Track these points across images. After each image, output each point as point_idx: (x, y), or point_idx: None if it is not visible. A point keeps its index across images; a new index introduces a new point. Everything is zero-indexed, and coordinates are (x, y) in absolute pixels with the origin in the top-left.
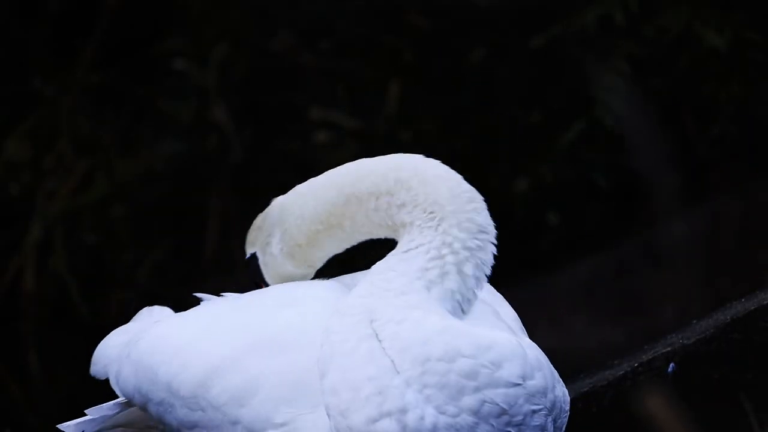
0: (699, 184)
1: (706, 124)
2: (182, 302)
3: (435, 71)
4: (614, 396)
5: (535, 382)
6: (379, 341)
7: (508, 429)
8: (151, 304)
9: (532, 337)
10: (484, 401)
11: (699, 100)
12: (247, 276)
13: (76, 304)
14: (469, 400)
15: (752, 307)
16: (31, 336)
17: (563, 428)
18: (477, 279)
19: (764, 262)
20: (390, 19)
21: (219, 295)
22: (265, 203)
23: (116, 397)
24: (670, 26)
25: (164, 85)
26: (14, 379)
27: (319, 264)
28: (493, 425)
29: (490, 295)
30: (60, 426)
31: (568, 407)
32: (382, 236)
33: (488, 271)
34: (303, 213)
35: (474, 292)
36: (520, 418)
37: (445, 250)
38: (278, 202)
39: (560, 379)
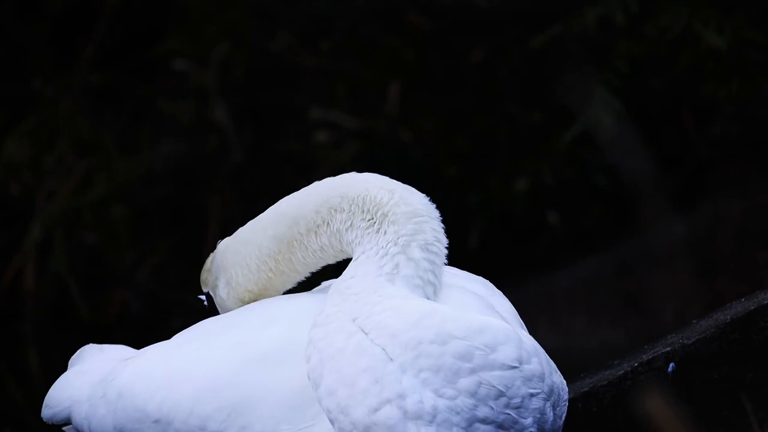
0: (699, 184)
1: (706, 124)
2: (182, 302)
3: (435, 71)
4: (614, 396)
5: (532, 367)
6: (366, 334)
7: (508, 411)
8: (151, 304)
9: (532, 336)
10: (481, 383)
11: (699, 100)
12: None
13: (76, 304)
14: (466, 382)
15: (752, 307)
16: (31, 336)
17: (563, 418)
18: (429, 261)
19: (764, 262)
20: (390, 19)
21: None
22: (265, 203)
23: None
24: (670, 26)
25: (164, 85)
26: (14, 379)
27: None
28: (492, 407)
29: (484, 289)
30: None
31: (566, 396)
32: (335, 261)
33: (440, 250)
34: (248, 263)
35: (433, 273)
36: (518, 400)
37: (388, 245)
38: (224, 246)
39: (558, 370)
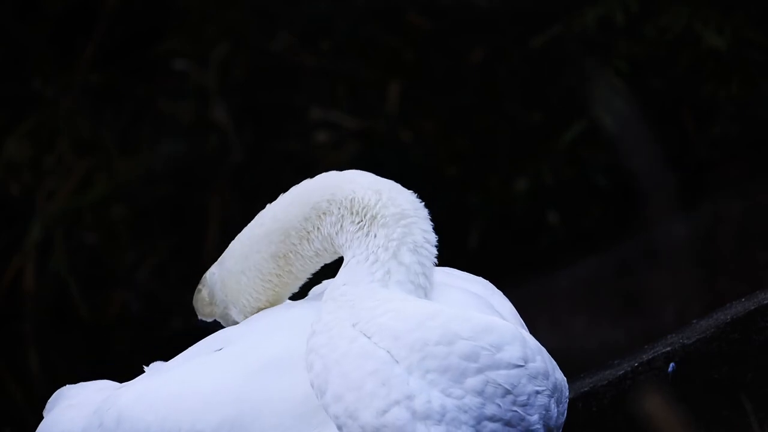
0: (699, 184)
1: (706, 124)
2: (182, 302)
3: (435, 71)
4: (614, 396)
5: (537, 365)
6: (369, 338)
7: (515, 408)
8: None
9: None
10: (488, 382)
11: (699, 100)
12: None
13: (76, 304)
14: (473, 382)
15: (752, 307)
16: (31, 336)
17: (565, 414)
18: (420, 264)
19: (764, 262)
20: (390, 19)
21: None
22: (265, 203)
23: None
24: (670, 26)
25: (164, 85)
26: (14, 379)
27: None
28: (499, 405)
29: (483, 289)
30: None
31: (567, 393)
32: (332, 260)
33: (430, 251)
34: (255, 288)
35: (424, 276)
36: (524, 398)
37: (378, 250)
38: (218, 277)
39: (558, 367)
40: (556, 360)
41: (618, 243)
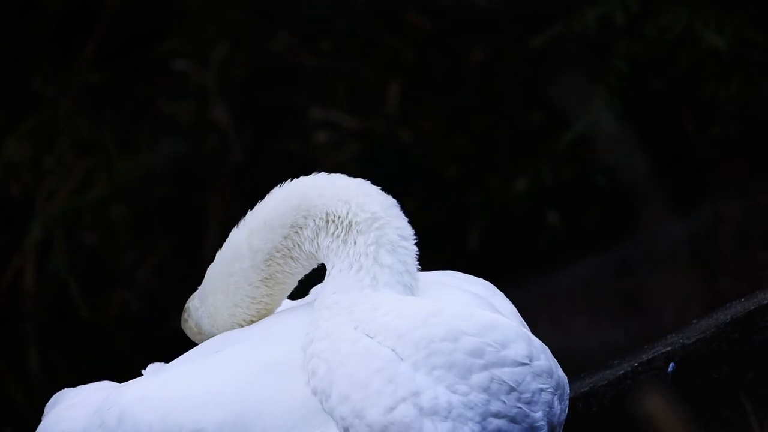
0: (699, 184)
1: (706, 124)
2: (182, 302)
3: (435, 71)
4: (614, 396)
5: (541, 363)
6: (372, 338)
7: (519, 405)
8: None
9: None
10: (493, 378)
11: (699, 100)
12: None
13: (76, 304)
14: (478, 378)
15: (752, 307)
16: (31, 336)
17: (566, 410)
18: (401, 262)
19: (764, 262)
20: (390, 19)
21: None
22: None
23: None
24: (670, 26)
25: (164, 85)
26: (14, 379)
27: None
28: (504, 401)
29: (484, 290)
30: None
31: (569, 389)
32: (317, 265)
33: (407, 249)
34: (249, 313)
35: (408, 273)
36: (528, 395)
37: (360, 257)
38: (203, 315)
39: (559, 365)
40: (556, 359)
41: (618, 243)
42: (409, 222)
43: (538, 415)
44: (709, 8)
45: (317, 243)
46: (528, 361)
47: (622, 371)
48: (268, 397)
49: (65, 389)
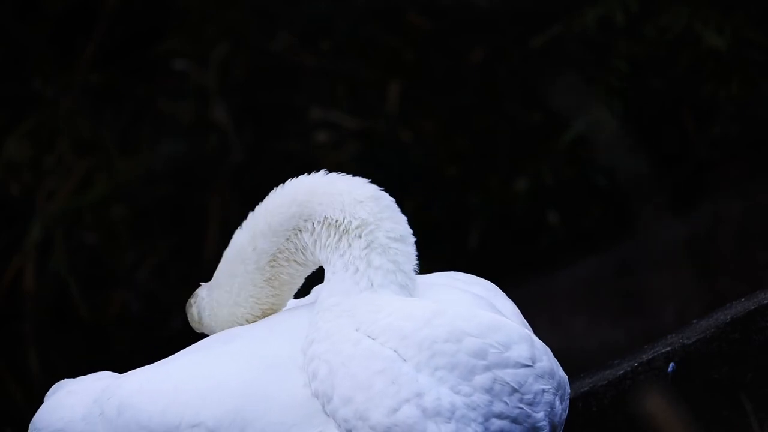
0: (699, 184)
1: (706, 124)
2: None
3: (435, 71)
4: (614, 396)
5: (543, 364)
6: (374, 339)
7: (521, 406)
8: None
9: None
10: (495, 380)
11: (699, 100)
12: None
13: (76, 304)
14: (481, 379)
15: (752, 307)
16: (31, 336)
17: (567, 410)
18: (392, 262)
19: (764, 262)
20: (390, 19)
21: None
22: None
23: None
24: (670, 26)
25: (164, 85)
26: (14, 379)
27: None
28: (506, 403)
29: (485, 291)
30: None
31: (569, 389)
32: (318, 267)
33: (398, 248)
34: (250, 314)
35: (401, 273)
36: (531, 396)
37: (356, 261)
38: (205, 306)
39: (560, 364)
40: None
41: (618, 243)
42: (409, 221)
43: (540, 415)
44: (709, 8)
45: (317, 246)
46: (531, 363)
47: (622, 371)
48: (269, 394)
49: (65, 379)
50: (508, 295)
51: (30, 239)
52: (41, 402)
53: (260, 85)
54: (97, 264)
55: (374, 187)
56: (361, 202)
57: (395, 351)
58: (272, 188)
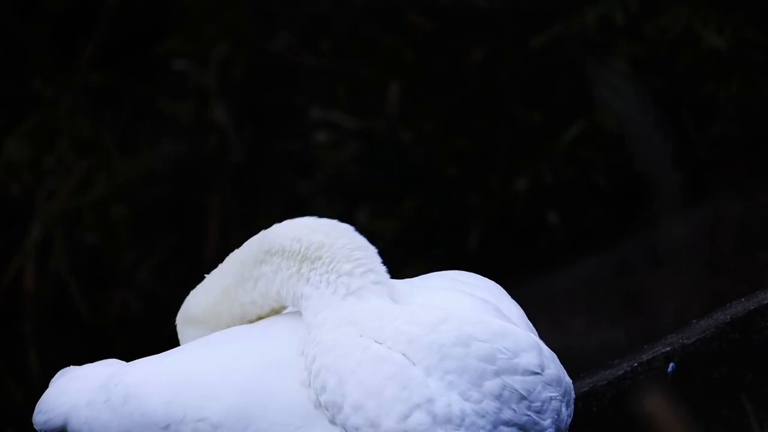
0: (699, 184)
1: (706, 124)
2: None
3: (435, 71)
4: (614, 396)
5: (551, 371)
6: (381, 344)
7: (529, 413)
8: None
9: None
10: (505, 386)
11: (699, 100)
12: None
13: (76, 304)
14: (491, 385)
15: (752, 307)
16: (31, 336)
17: (572, 414)
18: (360, 265)
19: (764, 262)
20: (390, 19)
21: None
22: (265, 203)
23: None
24: (670, 26)
25: (164, 85)
26: (14, 379)
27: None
28: (515, 410)
29: (490, 294)
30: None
31: (574, 393)
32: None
33: (362, 253)
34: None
35: (373, 272)
36: (538, 404)
37: (325, 276)
38: (181, 331)
39: (565, 370)
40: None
41: (618, 243)
42: (409, 221)
43: (547, 423)
44: (709, 8)
45: (278, 278)
46: (540, 371)
47: (622, 371)
48: (275, 392)
49: (71, 366)
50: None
51: (30, 239)
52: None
53: (260, 85)
54: (97, 264)
55: (332, 221)
56: (316, 229)
57: (404, 355)
58: (272, 188)
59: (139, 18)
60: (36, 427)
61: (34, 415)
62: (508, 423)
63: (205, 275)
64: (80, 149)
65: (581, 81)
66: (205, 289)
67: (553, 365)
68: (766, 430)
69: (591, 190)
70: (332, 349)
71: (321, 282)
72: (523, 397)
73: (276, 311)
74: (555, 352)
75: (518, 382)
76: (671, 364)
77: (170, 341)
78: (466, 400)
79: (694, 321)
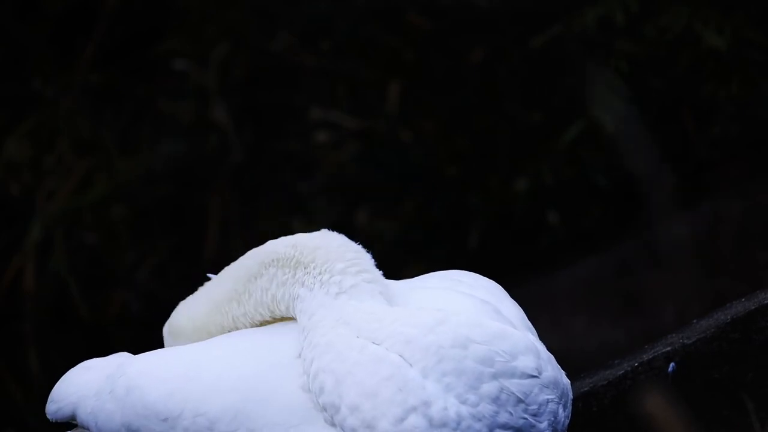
0: (699, 184)
1: (706, 124)
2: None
3: (435, 71)
4: (614, 396)
5: (548, 374)
6: (378, 345)
7: (526, 416)
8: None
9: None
10: (502, 389)
11: (699, 100)
12: None
13: (76, 304)
14: (488, 388)
15: (752, 307)
16: (31, 336)
17: (570, 416)
18: (353, 264)
19: (764, 262)
20: (390, 19)
21: None
22: (265, 203)
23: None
24: (670, 26)
25: (164, 85)
26: (14, 379)
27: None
28: (511, 413)
29: (489, 294)
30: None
31: (571, 394)
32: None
33: (350, 258)
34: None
35: (366, 272)
36: (535, 407)
37: (317, 278)
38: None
39: (561, 369)
40: (556, 360)
41: (618, 243)
42: (409, 221)
43: (544, 425)
44: (709, 8)
45: (273, 284)
46: (537, 374)
47: (622, 371)
48: (273, 391)
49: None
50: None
51: (30, 239)
52: (41, 402)
53: (260, 85)
54: (97, 264)
55: (327, 231)
56: (312, 237)
57: (401, 356)
58: (272, 188)
59: (139, 18)
60: (48, 416)
61: (47, 404)
62: (504, 426)
63: (207, 275)
64: (80, 149)
65: (581, 81)
66: (196, 302)
67: (550, 368)
68: (767, 430)
69: (591, 190)
70: (329, 351)
71: (314, 284)
72: (520, 400)
73: (267, 324)
74: (555, 353)
75: (515, 385)
76: (672, 364)
77: None
78: (463, 403)
79: (695, 321)
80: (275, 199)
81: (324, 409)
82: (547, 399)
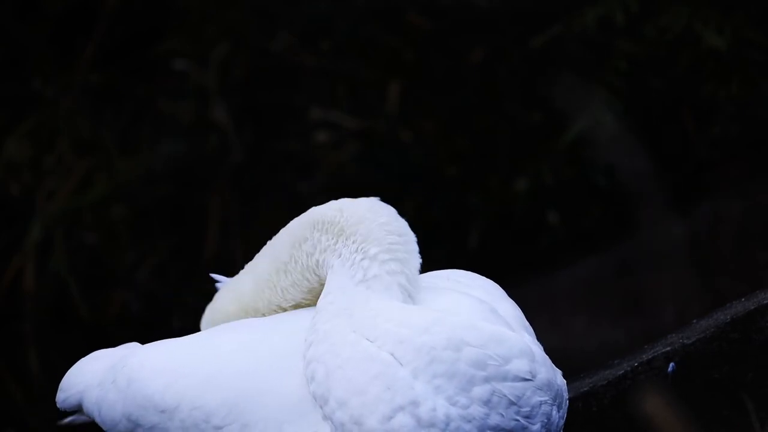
0: (699, 184)
1: (706, 124)
2: (182, 303)
3: (435, 71)
4: (614, 396)
5: (542, 377)
6: (371, 342)
7: (517, 418)
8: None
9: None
10: (494, 392)
11: (699, 100)
12: None
13: (76, 304)
14: (480, 391)
15: (752, 307)
16: (31, 336)
17: (565, 416)
18: (387, 251)
19: (764, 262)
20: (390, 19)
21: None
22: (265, 203)
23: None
24: (670, 26)
25: (164, 85)
26: (14, 379)
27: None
28: (502, 415)
29: (486, 294)
30: (60, 423)
31: (567, 395)
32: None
33: (390, 240)
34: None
35: (396, 261)
36: (528, 409)
37: (352, 255)
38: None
39: (556, 369)
40: (556, 360)
41: (618, 243)
42: (409, 221)
43: (536, 427)
44: (709, 8)
45: (317, 250)
46: (530, 377)
47: (622, 371)
48: (269, 387)
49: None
50: (508, 295)
51: (30, 239)
52: (41, 402)
53: (260, 85)
54: (97, 264)
55: (376, 201)
56: (357, 202)
57: (392, 355)
58: (272, 188)
59: (139, 18)
60: (57, 404)
61: (57, 393)
62: (495, 428)
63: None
64: (80, 149)
65: (581, 81)
66: (240, 282)
67: (544, 369)
68: (766, 430)
69: (591, 190)
70: (324, 341)
71: (346, 262)
72: (512, 403)
73: (316, 295)
74: (555, 353)
75: (508, 388)
76: (671, 364)
77: None
78: (453, 405)
79: (694, 321)
80: (275, 199)
81: (314, 396)
82: (540, 401)
